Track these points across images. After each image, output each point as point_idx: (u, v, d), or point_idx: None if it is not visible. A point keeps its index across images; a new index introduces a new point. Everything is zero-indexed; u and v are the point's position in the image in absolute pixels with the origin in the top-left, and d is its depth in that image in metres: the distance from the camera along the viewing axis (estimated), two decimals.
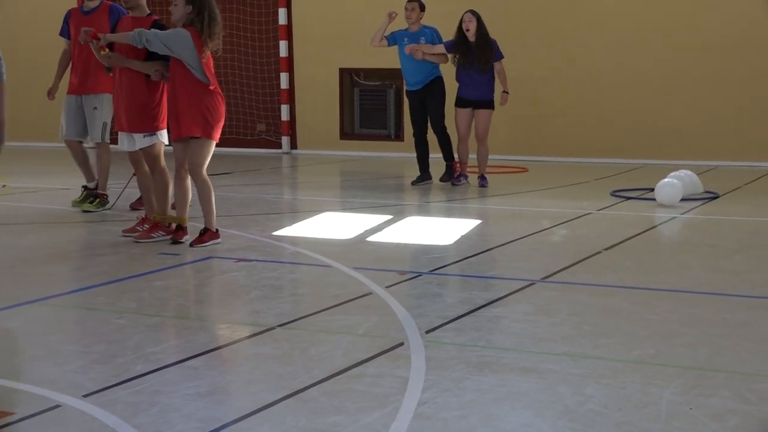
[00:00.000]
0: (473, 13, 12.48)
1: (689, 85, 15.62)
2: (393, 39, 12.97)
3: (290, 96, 18.10)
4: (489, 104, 12.57)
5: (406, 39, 12.86)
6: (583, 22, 16.07)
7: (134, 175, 9.36)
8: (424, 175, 13.03)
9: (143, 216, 9.29)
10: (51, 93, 11.29)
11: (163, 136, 9.02)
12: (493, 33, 12.62)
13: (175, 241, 8.68)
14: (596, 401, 4.60)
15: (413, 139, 13.10)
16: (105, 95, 10.48)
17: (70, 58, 10.89)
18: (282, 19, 17.89)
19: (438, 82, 12.81)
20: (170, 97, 8.58)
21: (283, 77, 17.99)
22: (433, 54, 12.63)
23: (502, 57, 12.53)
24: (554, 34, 16.19)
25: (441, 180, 12.85)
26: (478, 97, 12.47)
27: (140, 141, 8.90)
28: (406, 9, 12.92)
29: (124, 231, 9.13)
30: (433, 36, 12.82)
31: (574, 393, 4.72)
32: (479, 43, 12.38)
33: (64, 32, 10.93)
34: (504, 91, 12.53)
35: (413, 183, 13.02)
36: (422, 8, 12.92)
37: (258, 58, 18.00)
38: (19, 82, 19.41)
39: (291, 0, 17.90)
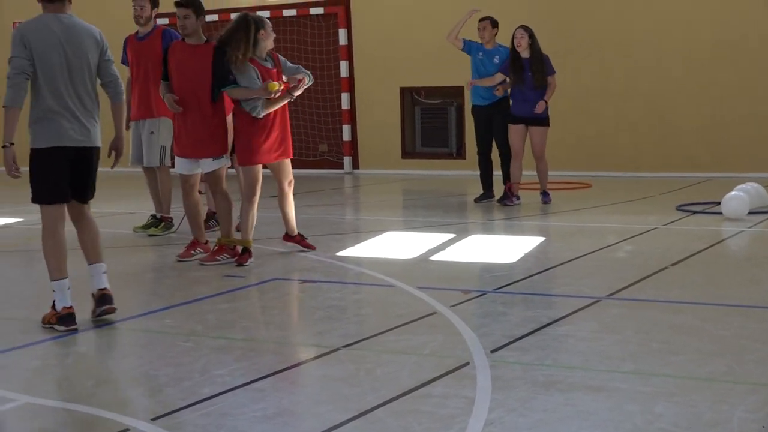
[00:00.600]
0: (525, 28, 12.34)
1: (754, 97, 15.42)
2: (468, 47, 12.86)
3: (351, 116, 18.17)
4: (543, 121, 12.40)
5: (480, 54, 12.75)
6: (644, 37, 15.94)
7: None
8: (487, 193, 12.96)
9: (193, 240, 9.33)
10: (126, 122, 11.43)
11: (227, 159, 9.12)
12: (552, 48, 12.54)
13: (240, 264, 8.74)
14: (666, 420, 4.54)
15: (477, 156, 13.02)
16: (162, 119, 10.60)
17: None
18: (342, 40, 17.99)
19: (506, 102, 12.70)
20: (278, 121, 8.81)
21: (344, 97, 18.08)
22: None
23: (554, 72, 12.38)
24: (615, 48, 16.07)
25: (498, 201, 12.68)
26: (531, 113, 12.33)
27: (209, 165, 8.99)
28: (478, 28, 12.84)
29: (179, 256, 9.16)
30: (506, 56, 12.73)
31: (643, 411, 4.66)
32: (532, 59, 12.27)
33: (125, 60, 11.06)
34: (543, 99, 12.32)
35: (476, 200, 12.96)
36: (494, 25, 12.80)
37: (319, 79, 18.08)
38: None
39: (351, 20, 17.98)
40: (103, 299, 6.75)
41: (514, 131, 12.48)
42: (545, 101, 12.24)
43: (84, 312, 6.76)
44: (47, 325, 6.64)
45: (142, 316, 7.01)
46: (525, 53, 12.30)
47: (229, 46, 8.64)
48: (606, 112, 16.17)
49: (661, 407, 4.70)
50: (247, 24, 8.66)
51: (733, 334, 6.10)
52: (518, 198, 12.63)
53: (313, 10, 18.20)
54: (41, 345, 6.33)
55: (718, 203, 11.17)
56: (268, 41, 8.77)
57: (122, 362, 6.03)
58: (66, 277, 6.67)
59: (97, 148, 6.79)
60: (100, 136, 6.80)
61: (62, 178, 6.65)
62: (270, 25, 8.84)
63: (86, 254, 6.87)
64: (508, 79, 12.43)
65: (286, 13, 18.20)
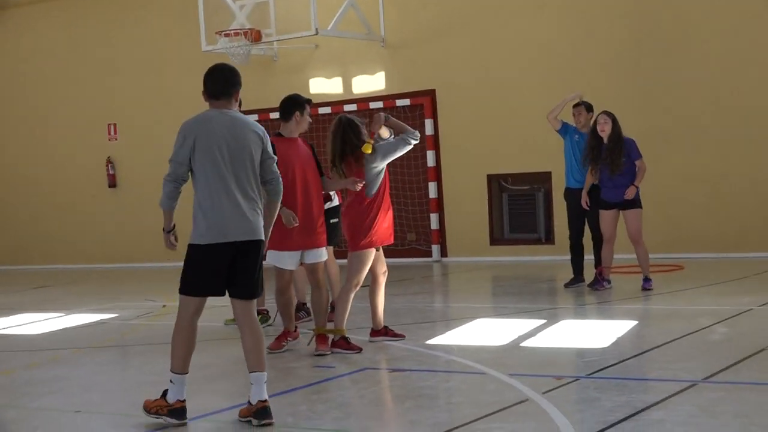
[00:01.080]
0: (608, 114, 12.21)
1: None
2: (565, 129, 12.85)
3: (439, 204, 18.22)
4: (635, 203, 12.20)
5: (577, 136, 12.74)
6: (725, 121, 15.77)
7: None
8: (578, 278, 12.83)
9: (284, 330, 9.39)
10: None
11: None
12: (639, 132, 12.40)
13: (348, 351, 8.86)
14: None
15: (569, 240, 12.90)
16: None
17: None
18: (429, 130, 18.11)
19: (597, 188, 12.60)
20: (380, 208, 9.04)
21: (432, 186, 18.15)
22: None
23: (640, 156, 12.15)
24: (696, 132, 15.92)
25: (589, 286, 12.52)
26: (621, 197, 12.13)
27: (314, 255, 9.16)
28: (573, 114, 12.85)
29: (270, 348, 9.12)
30: None
31: None
32: (610, 145, 12.12)
33: None
34: (633, 184, 12.15)
35: (566, 285, 12.83)
36: (589, 110, 12.79)
37: (406, 169, 18.22)
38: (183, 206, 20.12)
39: (437, 110, 18.13)
40: (263, 412, 6.51)
41: (605, 217, 12.25)
42: (635, 186, 12.06)
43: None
44: (153, 415, 6.66)
45: (233, 408, 7.01)
46: (607, 139, 12.10)
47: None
48: (691, 195, 15.97)
49: None
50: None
51: None
52: (609, 282, 12.45)
53: (400, 102, 18.38)
54: None
55: None
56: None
57: None
58: (187, 373, 6.69)
59: (260, 241, 6.75)
60: (263, 229, 6.79)
61: (217, 273, 6.63)
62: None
63: (247, 360, 6.70)
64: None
65: (373, 105, 18.42)
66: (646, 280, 12.21)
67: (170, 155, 6.69)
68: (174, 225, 6.90)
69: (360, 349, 8.94)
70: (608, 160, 12.00)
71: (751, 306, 10.45)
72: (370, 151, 8.85)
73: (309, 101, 9.38)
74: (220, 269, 6.62)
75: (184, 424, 6.58)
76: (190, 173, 6.74)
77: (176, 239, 6.90)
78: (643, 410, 6.30)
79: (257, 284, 6.77)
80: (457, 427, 6.19)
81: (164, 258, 20.38)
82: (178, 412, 6.61)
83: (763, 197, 15.61)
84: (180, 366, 6.67)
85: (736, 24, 15.70)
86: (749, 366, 7.54)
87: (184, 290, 6.73)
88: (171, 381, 6.67)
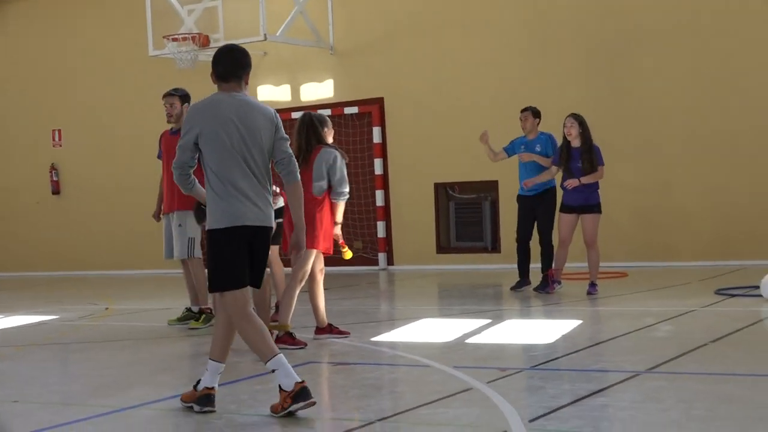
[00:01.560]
0: (575, 116, 12.29)
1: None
2: (512, 148, 13.00)
3: (386, 212, 18.20)
4: (594, 208, 12.25)
5: (523, 147, 12.84)
6: (671, 132, 15.94)
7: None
8: (524, 281, 12.88)
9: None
10: (155, 215, 11.55)
11: None
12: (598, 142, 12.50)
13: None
14: None
15: (516, 243, 12.96)
16: (190, 212, 10.60)
17: None
18: (376, 138, 18.11)
19: (551, 193, 12.68)
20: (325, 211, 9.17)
21: (379, 194, 18.13)
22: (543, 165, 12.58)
23: (603, 164, 12.27)
24: (642, 144, 16.06)
25: (535, 289, 12.57)
26: (582, 202, 12.20)
27: None
28: (520, 119, 12.96)
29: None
30: (547, 143, 12.74)
31: None
32: (583, 147, 12.24)
33: (160, 155, 11.16)
34: (579, 180, 12.22)
35: (512, 288, 12.87)
36: (535, 115, 12.90)
37: (354, 177, 18.14)
38: (129, 213, 19.97)
39: (385, 118, 18.13)
40: (207, 399, 6.43)
41: (565, 220, 12.33)
42: (579, 180, 12.08)
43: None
44: (187, 404, 6.50)
45: (175, 397, 6.91)
46: (575, 142, 12.19)
47: None
48: (639, 205, 16.10)
49: None
50: None
51: None
52: (560, 283, 12.53)
53: (348, 110, 18.37)
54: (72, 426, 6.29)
55: (757, 287, 11.01)
56: None
57: None
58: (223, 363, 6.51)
59: (270, 228, 6.55)
60: (273, 217, 6.59)
61: (241, 256, 6.40)
62: None
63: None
64: (555, 168, 12.39)
65: (321, 113, 18.34)
66: (592, 285, 12.26)
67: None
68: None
69: (305, 345, 8.89)
70: (581, 164, 12.09)
71: (694, 307, 10.53)
72: (350, 256, 9.61)
73: None
74: (242, 253, 6.40)
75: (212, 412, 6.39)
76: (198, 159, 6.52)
77: None
78: (586, 396, 6.30)
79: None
80: (401, 413, 6.16)
81: (109, 266, 20.26)
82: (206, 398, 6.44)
83: (708, 207, 15.77)
84: (218, 355, 6.48)
85: (682, 37, 15.87)
86: (691, 358, 7.58)
87: (219, 285, 6.42)
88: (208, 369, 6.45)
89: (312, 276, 9.24)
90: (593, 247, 12.27)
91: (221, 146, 6.38)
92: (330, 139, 9.32)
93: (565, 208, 12.31)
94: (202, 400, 6.40)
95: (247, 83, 6.66)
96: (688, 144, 15.89)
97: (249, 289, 6.49)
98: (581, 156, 12.16)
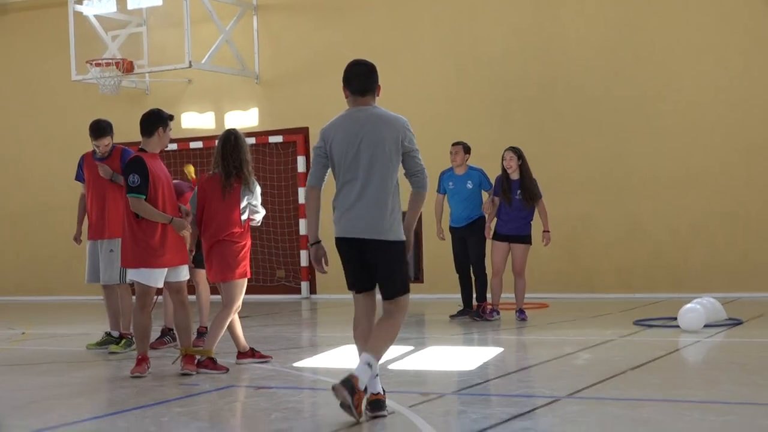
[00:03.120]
0: (513, 150, 12.55)
1: (708, 223, 15.63)
2: (442, 187, 13.06)
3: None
4: (526, 239, 12.54)
5: (451, 183, 12.92)
6: (602, 170, 16.18)
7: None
8: (465, 310, 12.91)
9: (141, 354, 9.05)
10: (76, 238, 11.39)
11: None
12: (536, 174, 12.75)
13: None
14: None
15: (457, 273, 13.01)
16: (119, 239, 10.42)
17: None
18: (301, 167, 18.09)
19: (480, 223, 12.79)
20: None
21: (302, 223, 18.09)
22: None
23: (541, 196, 12.54)
24: (561, 177, 16.29)
25: (471, 317, 12.66)
26: (515, 231, 12.47)
27: (180, 273, 9.08)
28: (450, 152, 13.02)
29: (134, 372, 8.75)
30: (480, 178, 12.86)
31: None
32: (523, 180, 12.46)
33: (80, 177, 10.96)
34: (545, 230, 12.55)
35: (452, 317, 12.89)
36: (466, 150, 12.97)
37: (277, 206, 18.16)
38: (43, 237, 19.67)
39: (309, 148, 18.14)
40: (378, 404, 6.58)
41: (497, 249, 12.57)
42: (548, 231, 12.61)
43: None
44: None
45: (95, 419, 6.85)
46: (514, 175, 12.48)
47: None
48: (560, 237, 16.31)
49: None
50: None
51: (693, 427, 6.07)
52: (498, 312, 12.67)
53: (272, 138, 18.35)
54: None
55: (675, 318, 11.20)
56: None
57: None
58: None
59: (386, 242, 6.55)
60: (395, 229, 6.58)
61: (351, 266, 6.69)
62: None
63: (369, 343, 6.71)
64: (496, 199, 12.58)
65: (246, 141, 18.30)
66: (521, 311, 12.59)
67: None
68: (319, 240, 6.77)
69: (227, 370, 8.83)
70: (520, 195, 12.33)
71: (613, 337, 10.67)
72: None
73: (171, 117, 9.20)
74: (351, 264, 6.64)
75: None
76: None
77: (326, 260, 6.73)
78: (507, 420, 6.35)
79: (394, 283, 6.67)
80: None
81: (35, 291, 19.88)
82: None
83: (628, 240, 16.02)
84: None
85: (599, 81, 16.18)
86: (611, 385, 7.69)
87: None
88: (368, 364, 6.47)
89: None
90: (522, 276, 12.66)
91: (343, 159, 6.64)
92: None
93: (498, 236, 12.56)
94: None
95: (377, 95, 6.83)
96: (609, 179, 16.18)
97: (365, 297, 6.87)
98: (520, 187, 12.43)
